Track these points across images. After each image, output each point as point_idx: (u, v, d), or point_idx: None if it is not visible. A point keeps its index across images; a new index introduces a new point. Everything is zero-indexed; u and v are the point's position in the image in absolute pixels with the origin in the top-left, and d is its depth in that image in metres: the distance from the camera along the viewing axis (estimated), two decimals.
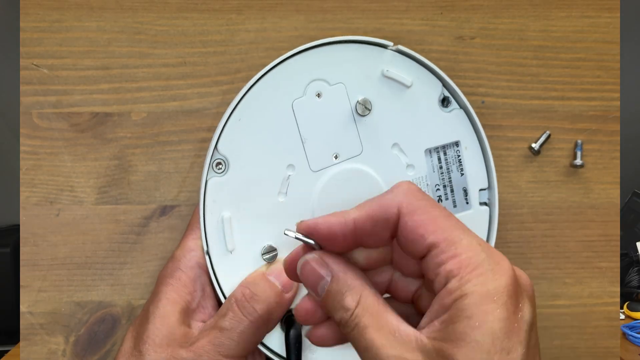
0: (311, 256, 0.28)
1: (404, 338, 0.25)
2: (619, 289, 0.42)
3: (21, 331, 0.41)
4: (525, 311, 0.24)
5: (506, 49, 0.42)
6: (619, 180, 0.43)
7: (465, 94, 0.37)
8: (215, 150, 0.36)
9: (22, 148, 0.41)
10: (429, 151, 0.38)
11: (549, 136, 0.42)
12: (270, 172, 0.37)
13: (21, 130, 0.41)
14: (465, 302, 0.23)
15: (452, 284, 0.24)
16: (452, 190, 0.39)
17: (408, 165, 0.38)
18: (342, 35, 0.37)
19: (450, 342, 0.23)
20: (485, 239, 0.39)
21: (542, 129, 0.42)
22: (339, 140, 0.37)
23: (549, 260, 0.42)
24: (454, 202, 0.39)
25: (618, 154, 0.43)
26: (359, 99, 0.37)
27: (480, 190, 0.39)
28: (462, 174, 0.39)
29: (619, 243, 0.42)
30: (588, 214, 0.43)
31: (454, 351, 0.23)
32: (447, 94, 0.38)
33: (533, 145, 0.42)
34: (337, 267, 0.27)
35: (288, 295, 0.35)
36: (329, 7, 0.42)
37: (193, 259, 0.35)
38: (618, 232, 0.42)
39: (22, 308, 0.41)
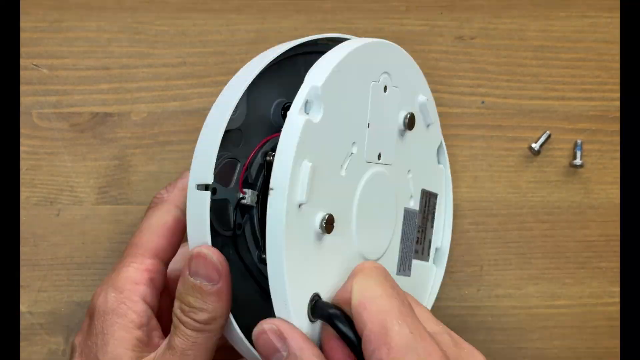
0: (269, 326, 0.28)
1: None
2: (619, 289, 0.42)
3: (21, 331, 0.41)
4: None
5: (506, 49, 0.42)
6: (619, 180, 0.43)
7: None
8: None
9: (22, 148, 0.41)
10: (425, 192, 0.38)
11: (549, 136, 0.42)
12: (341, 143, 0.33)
13: (21, 130, 0.41)
14: None
15: None
16: (424, 238, 0.38)
17: (411, 196, 0.37)
18: (341, 34, 0.37)
19: None
20: (428, 295, 0.39)
21: (542, 129, 0.42)
22: (383, 141, 0.35)
23: (549, 260, 0.42)
24: (422, 250, 0.38)
25: (618, 154, 0.43)
26: (408, 113, 0.35)
27: (437, 248, 0.39)
28: (432, 226, 0.39)
29: (619, 243, 0.42)
30: (588, 214, 0.43)
31: None
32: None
33: (533, 145, 0.42)
34: (295, 344, 0.27)
35: (219, 286, 0.31)
36: (329, 7, 0.42)
37: (138, 291, 0.33)
38: (618, 232, 0.42)
39: (22, 308, 0.41)
